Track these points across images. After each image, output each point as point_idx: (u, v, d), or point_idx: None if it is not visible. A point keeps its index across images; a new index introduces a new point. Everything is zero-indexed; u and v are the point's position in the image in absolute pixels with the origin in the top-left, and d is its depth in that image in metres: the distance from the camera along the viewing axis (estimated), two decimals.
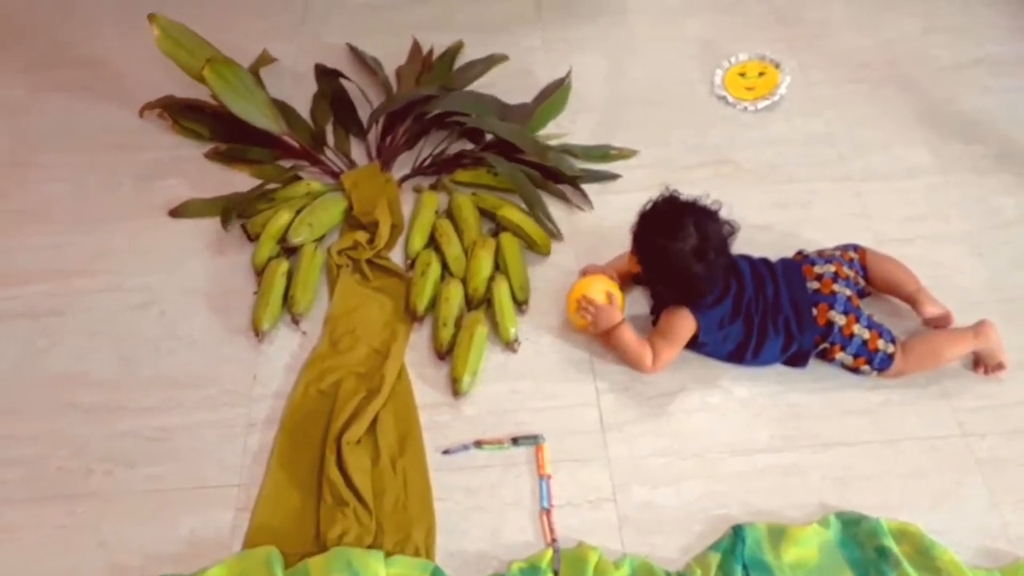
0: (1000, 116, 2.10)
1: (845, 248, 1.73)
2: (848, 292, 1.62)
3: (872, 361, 1.60)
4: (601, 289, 1.66)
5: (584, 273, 1.75)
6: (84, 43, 2.42)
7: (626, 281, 1.75)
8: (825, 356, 1.64)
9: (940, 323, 1.65)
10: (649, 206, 1.62)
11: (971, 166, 2.00)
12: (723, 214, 1.59)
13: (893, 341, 1.61)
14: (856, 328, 1.59)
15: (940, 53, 2.28)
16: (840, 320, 1.59)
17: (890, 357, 1.60)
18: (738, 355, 1.65)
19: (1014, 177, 1.97)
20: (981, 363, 1.64)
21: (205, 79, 1.85)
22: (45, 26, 2.48)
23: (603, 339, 1.69)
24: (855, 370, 1.63)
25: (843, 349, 1.60)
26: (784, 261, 1.71)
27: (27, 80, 2.32)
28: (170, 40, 1.87)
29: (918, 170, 2.01)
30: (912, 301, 1.67)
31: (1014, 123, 2.08)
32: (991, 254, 1.83)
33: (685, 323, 1.60)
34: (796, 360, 1.65)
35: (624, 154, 2.06)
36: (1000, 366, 1.62)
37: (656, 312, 1.70)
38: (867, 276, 1.70)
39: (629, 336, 1.65)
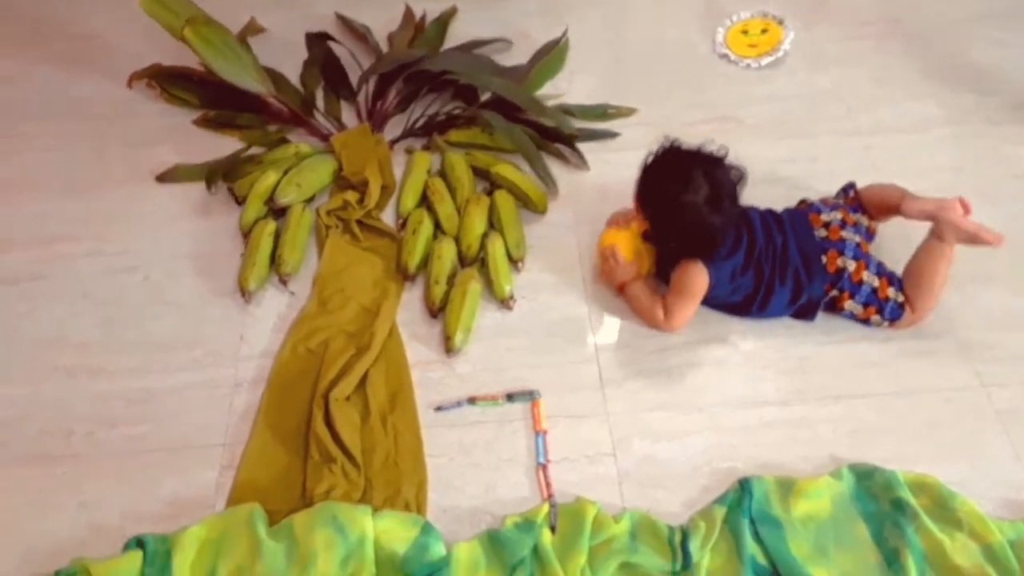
0: (1014, 67, 2.04)
1: (845, 191, 1.67)
2: (857, 239, 1.55)
3: (883, 310, 1.53)
4: (629, 245, 1.60)
5: (612, 223, 1.68)
6: (70, 17, 2.37)
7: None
8: (834, 306, 1.57)
9: (936, 214, 1.51)
10: (651, 159, 1.53)
11: (984, 117, 1.94)
12: (729, 159, 1.51)
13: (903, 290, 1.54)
14: (865, 275, 1.52)
15: (946, 8, 2.22)
16: (851, 266, 1.52)
17: (901, 306, 1.53)
18: (744, 308, 1.59)
19: None
20: (976, 243, 1.49)
21: (186, 40, 1.79)
22: (29, 1, 2.43)
23: (620, 293, 1.64)
24: (865, 321, 1.57)
25: (852, 297, 1.53)
26: (789, 211, 1.64)
27: (12, 54, 2.27)
28: (153, 1, 1.81)
29: (929, 123, 1.95)
30: (902, 208, 1.55)
31: None
32: (1006, 203, 1.76)
33: (698, 277, 1.52)
34: (805, 312, 1.58)
35: (623, 112, 2.00)
36: (977, 237, 1.47)
37: (662, 270, 1.63)
38: (865, 211, 1.63)
39: (641, 291, 1.59)
